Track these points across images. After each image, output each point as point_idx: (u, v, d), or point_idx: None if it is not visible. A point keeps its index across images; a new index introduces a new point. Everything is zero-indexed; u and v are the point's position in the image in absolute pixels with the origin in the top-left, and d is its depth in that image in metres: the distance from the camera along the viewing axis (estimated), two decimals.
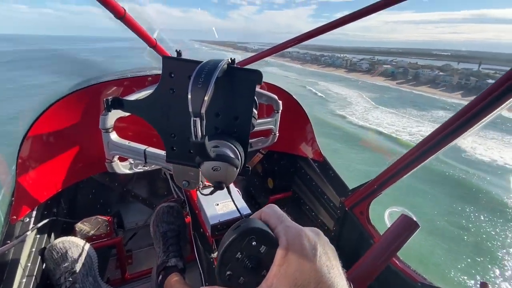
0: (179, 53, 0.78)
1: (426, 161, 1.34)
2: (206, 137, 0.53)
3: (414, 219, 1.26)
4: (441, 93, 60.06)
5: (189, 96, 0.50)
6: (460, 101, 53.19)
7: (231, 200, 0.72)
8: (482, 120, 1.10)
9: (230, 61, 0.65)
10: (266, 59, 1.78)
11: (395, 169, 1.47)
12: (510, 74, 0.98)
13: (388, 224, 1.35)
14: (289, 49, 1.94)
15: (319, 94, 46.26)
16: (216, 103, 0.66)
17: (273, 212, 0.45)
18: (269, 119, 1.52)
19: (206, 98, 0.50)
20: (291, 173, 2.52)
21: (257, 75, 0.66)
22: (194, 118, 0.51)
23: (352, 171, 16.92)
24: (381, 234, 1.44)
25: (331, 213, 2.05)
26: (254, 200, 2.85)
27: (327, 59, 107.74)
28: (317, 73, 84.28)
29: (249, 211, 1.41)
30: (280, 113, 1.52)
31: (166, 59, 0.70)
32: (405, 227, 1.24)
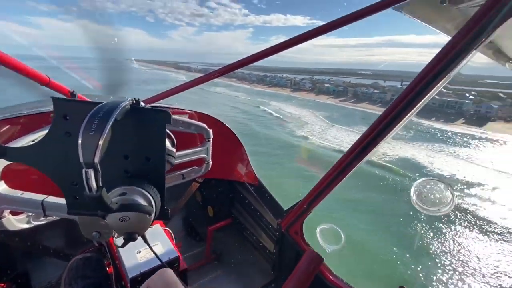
0: (73, 94, 0.74)
1: (349, 174, 1.43)
2: (104, 189, 0.48)
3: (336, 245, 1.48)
4: (380, 109, 66.08)
5: (79, 143, 0.45)
6: None
7: (154, 245, 0.66)
8: (393, 130, 1.27)
9: (134, 101, 0.59)
10: (215, 80, 1.72)
11: (320, 187, 1.55)
12: (409, 88, 1.17)
13: (320, 241, 1.47)
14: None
15: (275, 114, 45.57)
16: (123, 145, 0.60)
17: (160, 282, 0.41)
18: (200, 148, 1.47)
19: (100, 143, 0.45)
20: (230, 199, 2.51)
21: (165, 114, 0.61)
22: (86, 169, 0.45)
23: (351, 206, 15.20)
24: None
25: (270, 235, 2.08)
26: (194, 231, 2.76)
27: (272, 79, 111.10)
28: (265, 92, 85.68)
29: (175, 255, 1.37)
30: (211, 141, 1.50)
31: (56, 100, 0.60)
32: (310, 262, 1.33)
